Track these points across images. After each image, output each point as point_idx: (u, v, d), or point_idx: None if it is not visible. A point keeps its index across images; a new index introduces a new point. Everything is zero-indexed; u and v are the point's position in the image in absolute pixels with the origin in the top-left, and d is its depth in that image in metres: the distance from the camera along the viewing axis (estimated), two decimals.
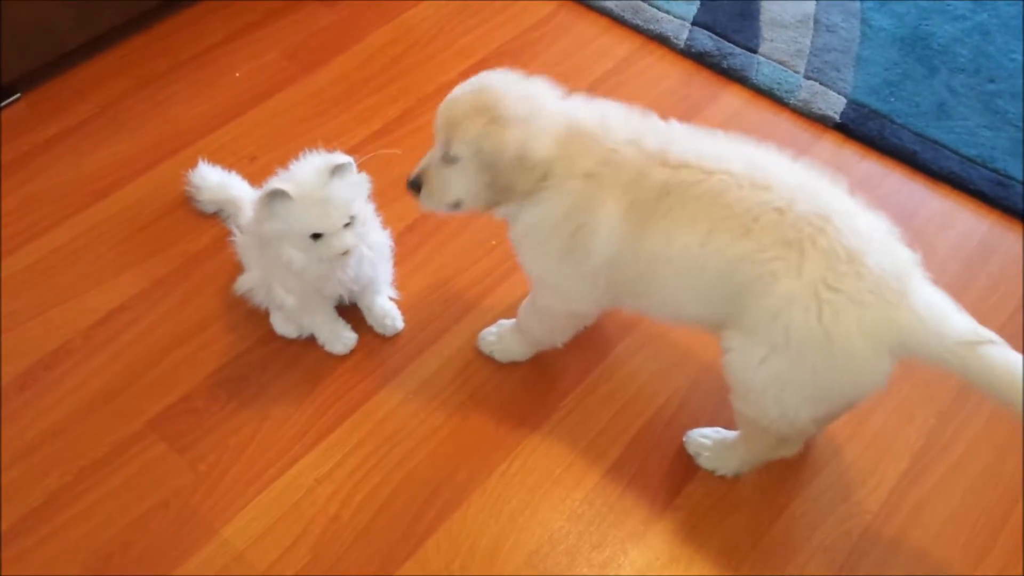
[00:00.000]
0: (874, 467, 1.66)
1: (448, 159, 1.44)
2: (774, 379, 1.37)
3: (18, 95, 2.21)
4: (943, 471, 1.66)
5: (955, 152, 2.13)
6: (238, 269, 1.81)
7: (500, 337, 1.76)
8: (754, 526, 1.59)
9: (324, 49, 2.35)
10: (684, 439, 1.67)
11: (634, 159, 1.38)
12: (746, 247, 1.32)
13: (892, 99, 2.23)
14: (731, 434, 1.62)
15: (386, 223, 1.76)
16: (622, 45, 2.37)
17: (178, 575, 1.52)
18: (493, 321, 1.80)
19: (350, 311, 1.82)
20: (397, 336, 1.81)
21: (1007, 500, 1.62)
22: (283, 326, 1.79)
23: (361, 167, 1.58)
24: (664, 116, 1.47)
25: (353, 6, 2.45)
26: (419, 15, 2.44)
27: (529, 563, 1.55)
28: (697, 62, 2.34)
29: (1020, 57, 2.33)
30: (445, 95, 1.45)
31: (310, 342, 1.80)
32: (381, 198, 1.72)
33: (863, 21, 2.42)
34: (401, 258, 1.89)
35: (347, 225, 1.55)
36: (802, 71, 2.29)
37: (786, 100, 2.24)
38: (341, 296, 1.74)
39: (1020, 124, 2.18)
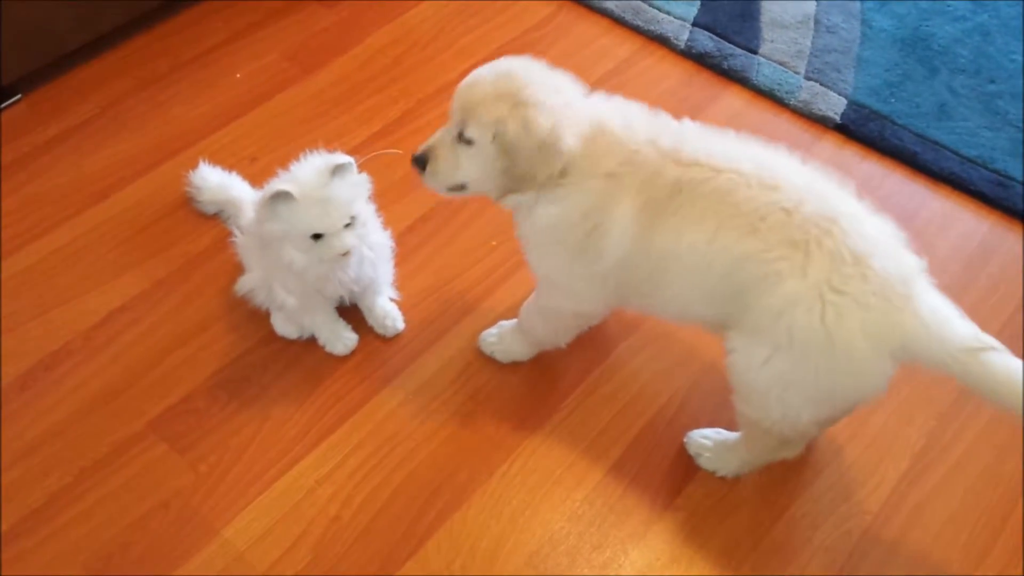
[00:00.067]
0: (875, 468, 1.66)
1: (462, 140, 1.42)
2: (777, 380, 1.37)
3: (19, 96, 2.21)
4: (943, 472, 1.66)
5: (955, 153, 2.13)
6: (239, 270, 1.81)
7: (501, 338, 1.76)
8: (755, 527, 1.59)
9: (325, 50, 2.35)
10: (685, 440, 1.67)
11: (651, 158, 1.38)
12: (752, 246, 1.32)
13: (892, 100, 2.24)
14: (732, 435, 1.62)
15: (387, 224, 1.76)
16: (623, 46, 2.37)
17: (178, 575, 1.53)
18: (494, 322, 1.80)
19: (351, 312, 1.82)
20: (398, 337, 1.81)
21: (1007, 500, 1.62)
22: (284, 327, 1.79)
23: (362, 168, 1.58)
24: None
25: (354, 7, 2.45)
26: (419, 16, 2.44)
27: (530, 563, 1.55)
28: (697, 63, 2.34)
29: (1020, 58, 2.33)
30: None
31: (311, 343, 1.80)
32: (382, 199, 1.72)
33: (863, 22, 2.42)
34: (402, 259, 1.89)
35: (348, 225, 1.55)
36: (802, 72, 2.29)
37: (786, 101, 2.24)
38: (342, 297, 1.74)
39: (1020, 125, 2.18)
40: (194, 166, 1.98)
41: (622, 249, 1.41)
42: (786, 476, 1.64)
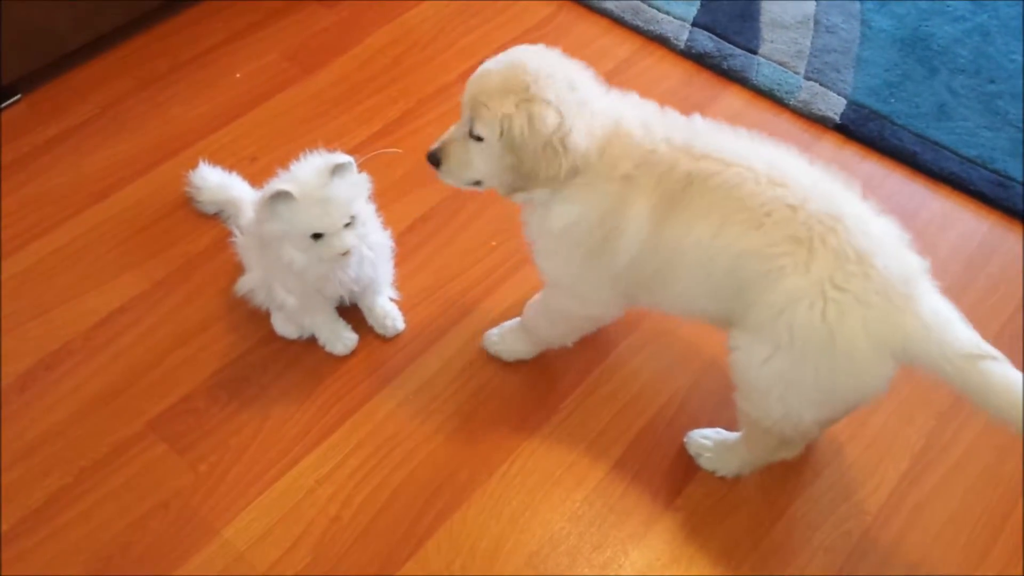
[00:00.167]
0: (874, 468, 1.66)
1: (473, 136, 1.40)
2: (778, 379, 1.37)
3: (19, 96, 2.21)
4: (943, 472, 1.66)
5: (955, 153, 2.13)
6: (239, 270, 1.81)
7: (502, 337, 1.76)
8: (754, 527, 1.59)
9: (325, 50, 2.35)
10: (685, 440, 1.67)
11: (666, 154, 1.37)
12: (756, 241, 1.32)
13: (892, 100, 2.24)
14: (732, 435, 1.62)
15: (387, 224, 1.76)
16: (622, 46, 2.37)
17: (178, 575, 1.52)
18: (495, 322, 1.80)
19: (351, 312, 1.82)
20: (398, 337, 1.81)
21: (1007, 501, 1.62)
22: (284, 327, 1.79)
23: (362, 167, 1.58)
24: None
25: (354, 7, 2.45)
26: (419, 16, 2.44)
27: (530, 564, 1.55)
28: (697, 63, 2.34)
29: (1020, 58, 2.33)
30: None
31: (311, 343, 1.80)
32: (382, 199, 1.72)
33: (863, 22, 2.42)
34: (402, 259, 1.89)
35: (347, 225, 1.55)
36: (802, 72, 2.29)
37: (786, 101, 2.24)
38: (342, 297, 1.74)
39: (1020, 125, 2.18)
40: (194, 166, 1.98)
41: (635, 247, 1.41)
42: (786, 476, 1.64)
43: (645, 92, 1.47)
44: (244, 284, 1.77)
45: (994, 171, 2.10)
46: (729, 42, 2.36)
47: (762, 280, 1.33)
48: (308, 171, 1.54)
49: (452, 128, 1.45)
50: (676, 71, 2.32)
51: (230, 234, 1.86)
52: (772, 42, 2.36)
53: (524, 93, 1.34)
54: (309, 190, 1.51)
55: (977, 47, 2.36)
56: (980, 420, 1.71)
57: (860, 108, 2.22)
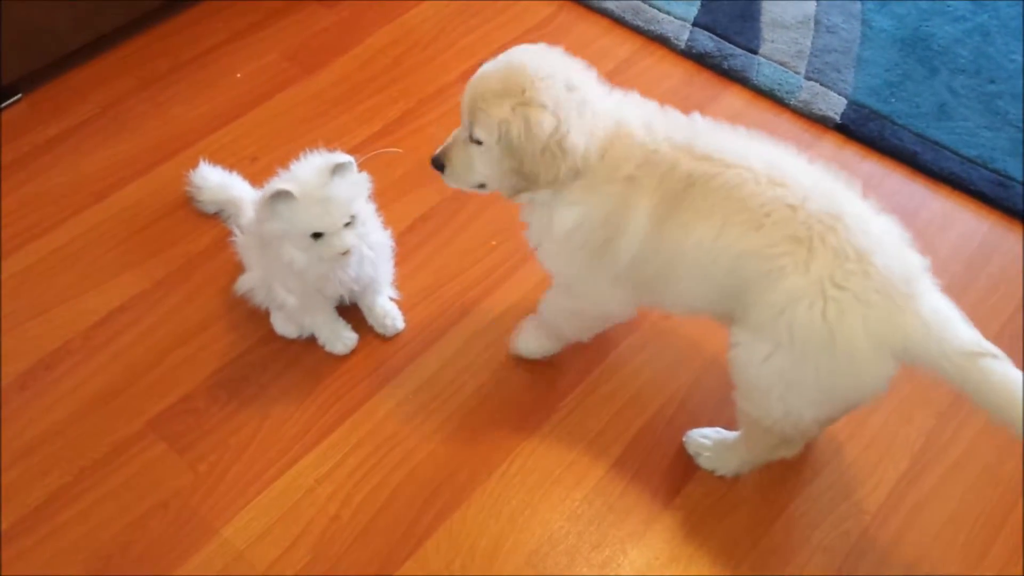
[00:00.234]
0: (874, 467, 1.66)
1: (473, 140, 1.40)
2: (778, 377, 1.37)
3: (19, 96, 2.21)
4: (942, 472, 1.66)
5: (955, 153, 2.13)
6: (239, 269, 1.81)
7: (523, 337, 1.74)
8: (753, 526, 1.59)
9: (325, 50, 2.35)
10: (684, 439, 1.67)
11: (668, 154, 1.37)
12: (756, 242, 1.32)
13: (892, 100, 2.24)
14: (731, 434, 1.62)
15: (387, 223, 1.76)
16: (623, 46, 2.37)
17: (178, 575, 1.53)
18: (495, 322, 1.80)
19: (351, 311, 1.82)
20: (398, 336, 1.82)
21: (1006, 500, 1.62)
22: (284, 326, 1.79)
23: (362, 167, 1.58)
24: None
25: (354, 7, 2.46)
26: (420, 16, 2.44)
27: (529, 563, 1.55)
28: (698, 63, 2.34)
29: (1020, 58, 2.33)
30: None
31: (311, 342, 1.80)
32: (382, 198, 1.72)
33: (863, 22, 2.42)
34: (402, 258, 1.89)
35: (348, 224, 1.55)
36: (803, 72, 2.29)
37: (787, 101, 2.24)
38: (342, 296, 1.74)
39: (1020, 125, 2.18)
40: (194, 166, 1.99)
41: (636, 247, 1.41)
42: (785, 475, 1.64)
43: (645, 92, 1.47)
44: (244, 283, 1.77)
45: (994, 171, 2.10)
46: (730, 42, 2.36)
47: (763, 280, 1.33)
48: (308, 171, 1.54)
49: (454, 133, 1.46)
50: (677, 71, 2.32)
51: (230, 234, 1.86)
52: (773, 42, 2.36)
53: (521, 96, 1.33)
54: (309, 189, 1.51)
55: (977, 47, 2.36)
56: (980, 420, 1.71)
57: (860, 108, 2.22)
